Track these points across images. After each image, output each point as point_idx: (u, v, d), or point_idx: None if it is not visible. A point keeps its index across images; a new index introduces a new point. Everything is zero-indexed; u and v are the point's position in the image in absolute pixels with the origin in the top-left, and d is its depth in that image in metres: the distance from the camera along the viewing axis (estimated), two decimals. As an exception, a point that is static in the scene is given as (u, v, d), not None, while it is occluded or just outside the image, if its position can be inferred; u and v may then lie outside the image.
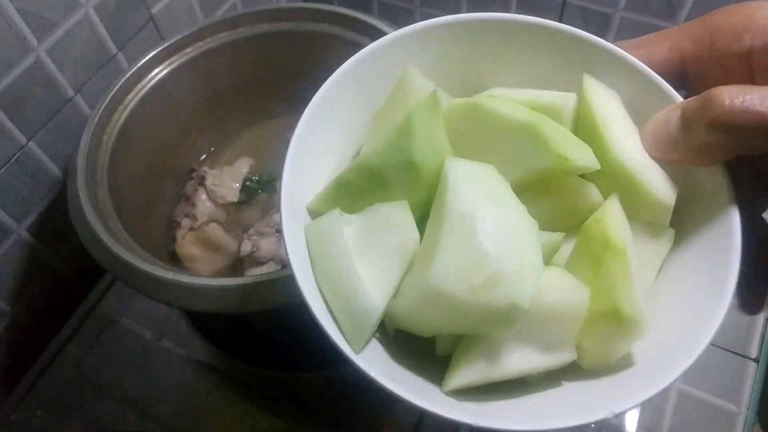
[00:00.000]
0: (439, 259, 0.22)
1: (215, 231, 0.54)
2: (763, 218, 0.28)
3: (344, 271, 0.24)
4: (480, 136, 0.26)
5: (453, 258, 0.22)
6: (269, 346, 0.56)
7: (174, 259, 0.56)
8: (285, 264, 0.53)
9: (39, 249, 0.57)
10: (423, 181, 0.25)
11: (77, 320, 0.58)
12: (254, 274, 0.53)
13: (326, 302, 0.25)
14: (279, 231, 0.53)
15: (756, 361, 0.54)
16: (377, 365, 0.24)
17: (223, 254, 0.55)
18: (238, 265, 0.55)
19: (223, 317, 0.55)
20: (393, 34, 0.28)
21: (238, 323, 0.56)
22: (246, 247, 0.52)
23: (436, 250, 0.22)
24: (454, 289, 0.22)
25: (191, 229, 0.54)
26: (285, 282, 0.40)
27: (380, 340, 0.26)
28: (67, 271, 0.60)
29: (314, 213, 0.27)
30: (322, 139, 0.28)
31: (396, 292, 0.25)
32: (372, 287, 0.24)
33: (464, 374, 0.24)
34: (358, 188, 0.26)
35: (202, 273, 0.55)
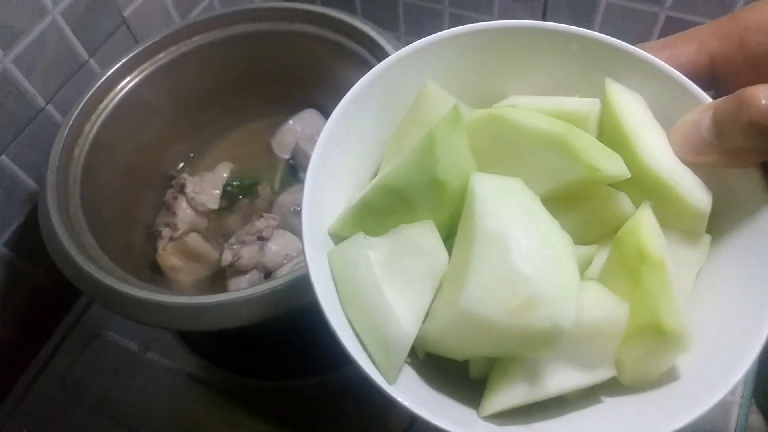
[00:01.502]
0: (472, 282, 0.21)
1: (195, 241, 0.53)
2: None
3: (373, 299, 0.23)
4: (505, 150, 0.25)
5: (487, 280, 0.21)
6: (256, 356, 0.55)
7: (156, 270, 0.54)
8: (267, 273, 0.52)
9: (18, 263, 0.55)
10: (448, 198, 0.24)
11: (62, 334, 0.57)
12: (237, 283, 0.52)
13: (355, 332, 0.24)
14: (261, 238, 0.52)
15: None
16: (411, 393, 0.23)
17: (205, 264, 0.54)
18: (220, 273, 0.54)
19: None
20: (409, 47, 0.27)
21: (222, 335, 0.55)
22: (227, 257, 0.51)
23: (468, 272, 0.22)
24: (490, 313, 0.21)
25: (172, 239, 0.53)
26: (265, 297, 0.39)
27: (411, 365, 0.25)
28: (49, 283, 0.59)
29: (336, 237, 0.26)
30: (340, 161, 0.27)
31: (426, 317, 0.24)
32: (402, 315, 0.23)
33: (503, 398, 0.23)
34: (381, 209, 0.25)
35: (185, 283, 0.53)
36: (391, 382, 0.23)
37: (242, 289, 0.40)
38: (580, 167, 0.23)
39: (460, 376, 0.25)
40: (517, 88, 0.29)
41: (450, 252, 0.24)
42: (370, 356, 0.23)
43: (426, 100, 0.27)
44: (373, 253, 0.24)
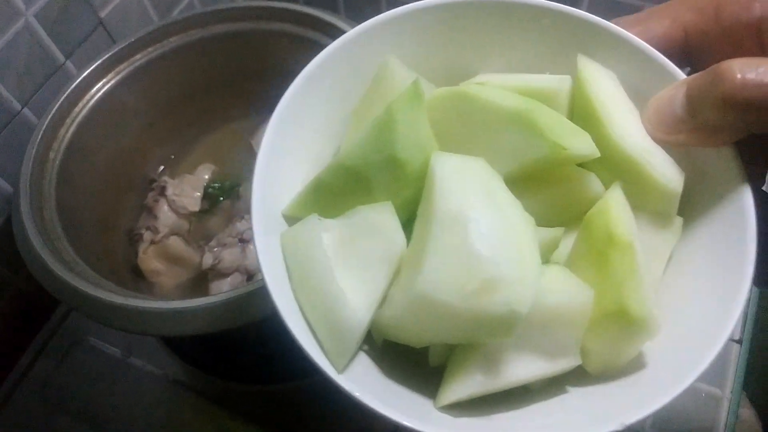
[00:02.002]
0: (429, 265, 0.20)
1: (176, 244, 0.52)
2: (765, 192, 0.26)
3: (324, 282, 0.22)
4: (468, 128, 0.24)
5: (444, 263, 0.20)
6: (240, 360, 0.54)
7: (138, 274, 0.54)
8: (250, 276, 0.52)
9: (-2, 269, 0.55)
10: (407, 179, 0.23)
11: (42, 340, 0.57)
12: (219, 286, 0.51)
13: (306, 318, 0.23)
14: (242, 240, 0.51)
15: (739, 342, 0.53)
16: (364, 382, 0.22)
17: (186, 267, 0.53)
18: (203, 276, 0.53)
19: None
20: (369, 22, 0.26)
21: (205, 339, 0.54)
22: (208, 260, 0.50)
23: (425, 255, 0.21)
24: (446, 297, 0.20)
25: (153, 242, 0.53)
26: (245, 299, 0.38)
27: (368, 353, 0.24)
28: (29, 289, 0.58)
29: (291, 219, 0.25)
30: (296, 139, 0.26)
31: (382, 302, 0.23)
32: (355, 299, 0.22)
33: (459, 387, 0.22)
34: (337, 190, 0.24)
35: (167, 287, 0.53)
36: (339, 370, 0.22)
37: (224, 292, 0.39)
38: (544, 145, 0.22)
39: (420, 364, 0.24)
40: (486, 65, 0.28)
41: (410, 235, 0.23)
42: (319, 342, 0.22)
43: (386, 76, 0.26)
44: (327, 235, 0.23)
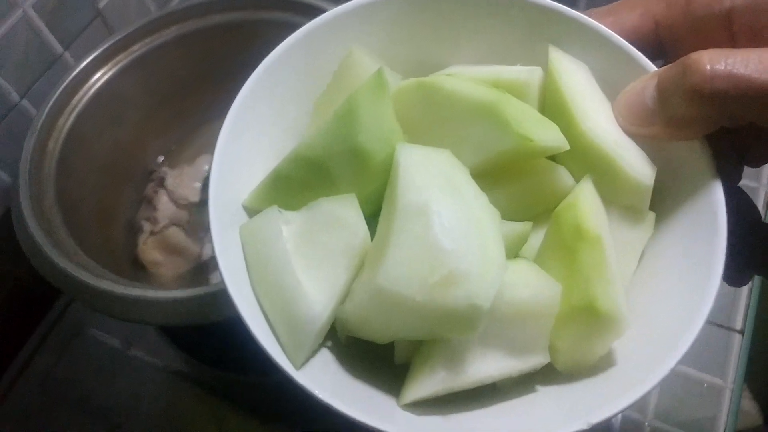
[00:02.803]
0: (391, 258, 0.20)
1: (176, 235, 0.52)
2: (740, 189, 0.26)
3: (282, 275, 0.22)
4: (434, 119, 0.24)
5: (406, 256, 0.20)
6: (240, 351, 0.54)
7: (137, 265, 0.54)
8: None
9: (-2, 261, 0.55)
10: (372, 170, 0.23)
11: (43, 332, 0.56)
12: (219, 276, 0.51)
13: (264, 313, 0.22)
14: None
15: (741, 333, 0.52)
16: (324, 380, 0.21)
17: (186, 258, 0.53)
18: (202, 267, 0.53)
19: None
20: (333, 11, 0.25)
21: (205, 330, 0.54)
22: (208, 251, 0.50)
23: (387, 248, 0.20)
24: (407, 291, 0.20)
25: (152, 233, 0.53)
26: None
27: (331, 349, 0.23)
28: (29, 281, 0.58)
29: (252, 211, 0.24)
30: (258, 130, 0.25)
31: (344, 297, 0.22)
32: (314, 293, 0.22)
33: (423, 385, 0.22)
34: (298, 182, 0.24)
35: (166, 278, 0.53)
36: (297, 365, 0.21)
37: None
38: (510, 137, 0.22)
39: (386, 361, 0.24)
40: (456, 57, 0.27)
41: (375, 229, 0.23)
42: (276, 337, 0.22)
43: (350, 66, 0.25)
44: (287, 227, 0.23)
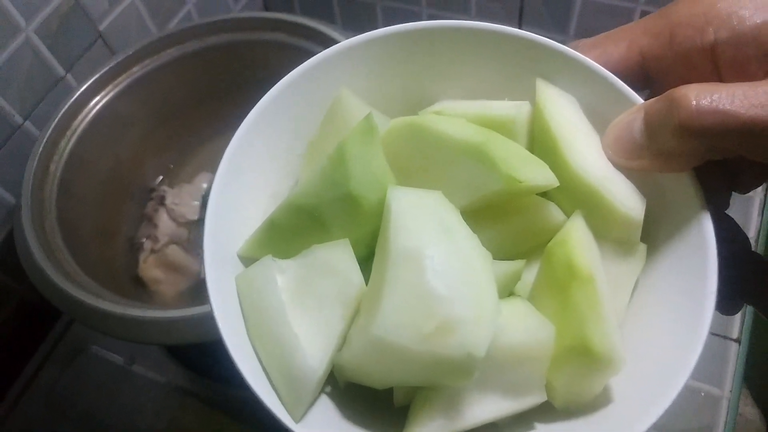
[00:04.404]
0: (385, 306, 0.20)
1: (176, 253, 0.53)
2: (729, 216, 0.26)
3: (279, 328, 0.22)
4: (424, 160, 0.24)
5: (400, 304, 0.20)
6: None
7: (138, 283, 0.54)
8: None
9: (2, 279, 0.55)
10: (364, 215, 0.22)
11: (47, 349, 0.57)
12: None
13: (262, 364, 0.22)
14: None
15: (738, 341, 0.52)
16: (324, 429, 0.21)
17: (186, 275, 0.53)
18: (202, 284, 0.54)
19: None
20: (324, 53, 0.25)
21: (207, 346, 0.55)
22: (207, 268, 0.51)
23: (382, 295, 0.20)
24: (403, 341, 0.19)
25: (153, 251, 0.53)
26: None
27: (330, 395, 0.23)
28: (33, 299, 0.59)
29: (247, 260, 0.24)
30: (252, 175, 0.25)
31: (341, 344, 0.22)
32: (310, 345, 0.21)
33: (424, 430, 0.21)
34: (291, 229, 0.23)
35: (167, 295, 0.53)
36: (297, 419, 0.21)
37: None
38: (499, 178, 0.22)
39: (385, 404, 0.24)
40: (445, 92, 0.27)
41: (369, 272, 0.23)
42: (276, 391, 0.22)
43: (339, 110, 0.25)
44: (281, 277, 0.22)
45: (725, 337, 0.53)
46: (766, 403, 0.62)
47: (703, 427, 0.49)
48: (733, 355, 0.52)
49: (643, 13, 0.62)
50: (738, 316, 0.54)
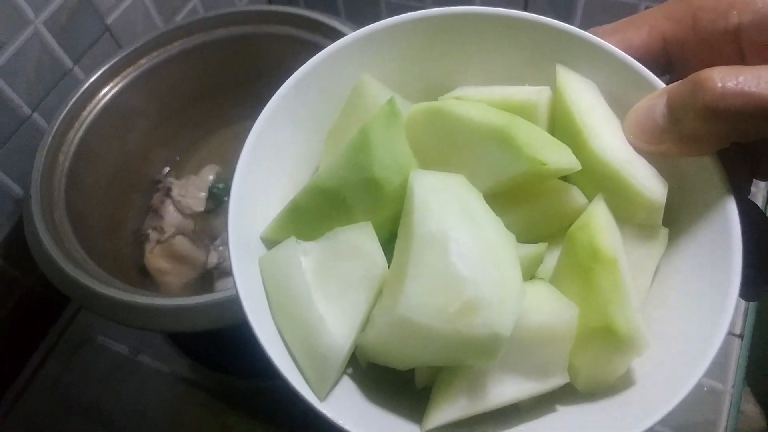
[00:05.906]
0: (409, 287, 0.20)
1: (182, 244, 0.53)
2: (752, 201, 0.25)
3: (303, 308, 0.22)
4: (447, 144, 0.24)
5: (425, 285, 0.20)
6: (247, 357, 0.55)
7: (144, 273, 0.55)
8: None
9: (8, 270, 0.55)
10: (387, 198, 0.23)
11: (52, 340, 0.57)
12: (224, 284, 0.53)
13: (286, 345, 0.22)
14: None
15: (740, 337, 0.52)
16: (347, 409, 0.21)
17: (192, 266, 0.54)
18: (208, 275, 0.55)
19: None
20: (345, 39, 0.25)
21: (212, 336, 0.55)
22: (213, 259, 0.51)
23: (406, 277, 0.20)
24: (427, 320, 0.19)
25: (159, 242, 0.54)
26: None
27: (352, 376, 0.23)
28: (39, 290, 0.59)
29: (270, 242, 0.24)
30: (273, 161, 0.25)
31: (364, 325, 0.22)
32: (335, 324, 0.22)
33: (445, 411, 0.22)
34: (314, 212, 0.24)
35: (173, 286, 0.54)
36: (321, 398, 0.21)
37: (229, 289, 0.40)
38: (522, 160, 0.22)
39: (407, 386, 0.24)
40: (465, 78, 0.27)
41: (391, 255, 0.23)
42: (300, 370, 0.22)
43: (361, 95, 0.25)
44: (305, 258, 0.23)
45: (728, 333, 0.54)
46: (767, 399, 0.62)
47: (706, 422, 0.49)
48: (736, 351, 0.52)
49: (647, 8, 0.63)
50: (741, 312, 0.54)
